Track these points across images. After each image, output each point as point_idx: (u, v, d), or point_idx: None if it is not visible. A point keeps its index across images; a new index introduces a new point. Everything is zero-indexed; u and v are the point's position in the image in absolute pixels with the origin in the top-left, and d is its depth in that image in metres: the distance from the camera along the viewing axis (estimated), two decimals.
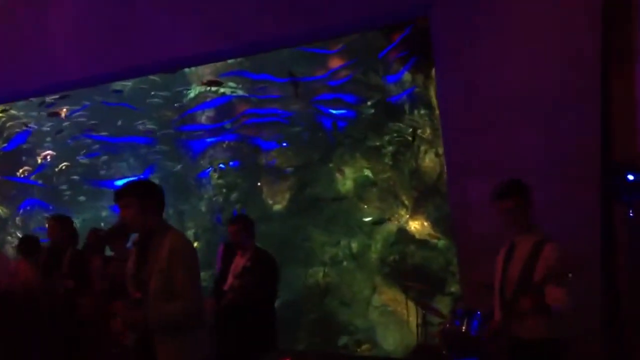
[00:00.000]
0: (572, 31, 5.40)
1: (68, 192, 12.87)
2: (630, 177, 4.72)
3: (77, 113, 12.61)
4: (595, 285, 5.07)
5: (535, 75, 5.49)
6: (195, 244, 10.72)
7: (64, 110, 12.40)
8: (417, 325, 6.31)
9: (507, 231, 3.86)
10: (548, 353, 3.51)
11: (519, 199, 3.71)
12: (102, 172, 12.91)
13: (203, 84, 11.73)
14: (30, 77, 8.30)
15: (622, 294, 5.05)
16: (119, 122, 12.51)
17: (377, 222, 10.35)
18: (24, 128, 13.09)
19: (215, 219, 11.48)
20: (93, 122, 12.57)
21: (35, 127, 13.07)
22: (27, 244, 6.36)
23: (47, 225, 6.35)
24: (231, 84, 11.78)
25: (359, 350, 9.50)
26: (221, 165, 11.91)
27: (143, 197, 3.48)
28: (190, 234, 11.48)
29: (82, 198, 12.81)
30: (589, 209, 5.21)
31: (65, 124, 12.76)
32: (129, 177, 11.84)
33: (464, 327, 4.92)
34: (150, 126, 12.42)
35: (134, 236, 3.68)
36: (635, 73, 5.12)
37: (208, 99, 12.07)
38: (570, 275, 3.34)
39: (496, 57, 5.71)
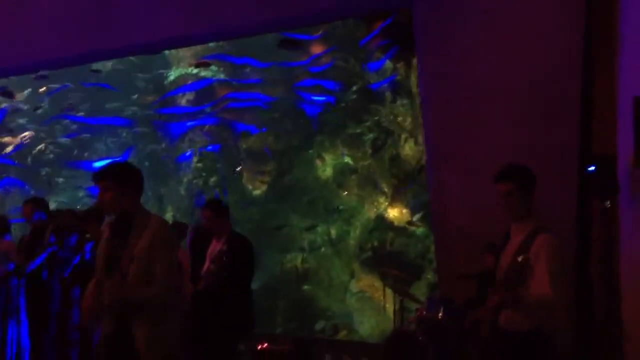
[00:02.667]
0: (554, 25, 5.46)
1: (44, 173, 12.73)
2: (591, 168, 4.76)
3: (56, 93, 12.45)
4: (569, 277, 5.16)
5: (516, 68, 5.55)
6: None
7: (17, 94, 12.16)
8: (394, 312, 6.36)
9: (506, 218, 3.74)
10: (530, 345, 3.41)
11: (517, 182, 3.53)
12: (81, 154, 12.76)
13: (191, 65, 11.63)
14: (8, 55, 8.19)
15: (595, 286, 5.14)
16: (98, 103, 12.38)
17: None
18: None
19: (194, 202, 11.43)
20: (72, 102, 12.42)
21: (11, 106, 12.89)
22: None
23: (22, 208, 6.34)
24: (212, 67, 11.69)
25: (335, 335, 9.56)
26: (204, 149, 11.85)
27: (122, 179, 3.46)
28: (168, 217, 11.43)
29: (60, 180, 12.68)
30: (566, 201, 5.29)
31: (44, 103, 12.60)
32: (107, 158, 11.74)
33: (440, 314, 4.99)
34: (129, 108, 12.31)
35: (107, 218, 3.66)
36: (615, 69, 5.18)
37: (188, 82, 11.99)
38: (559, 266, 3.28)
39: (477, 49, 5.75)
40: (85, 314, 3.52)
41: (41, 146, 12.87)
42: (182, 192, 12.01)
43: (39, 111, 12.67)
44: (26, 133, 13.03)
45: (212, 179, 11.69)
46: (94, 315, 3.48)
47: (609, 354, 4.83)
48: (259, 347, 6.06)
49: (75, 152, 12.81)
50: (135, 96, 12.35)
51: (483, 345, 3.65)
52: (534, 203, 3.60)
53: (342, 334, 9.61)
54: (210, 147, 11.90)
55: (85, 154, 12.74)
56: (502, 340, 3.49)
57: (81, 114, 12.59)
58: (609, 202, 4.75)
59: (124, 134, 12.60)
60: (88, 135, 12.74)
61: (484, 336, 3.63)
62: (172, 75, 12.10)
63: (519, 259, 3.34)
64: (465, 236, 5.66)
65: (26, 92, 12.88)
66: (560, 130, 5.36)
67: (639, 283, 4.62)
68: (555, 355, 3.49)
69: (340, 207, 10.38)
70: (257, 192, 11.30)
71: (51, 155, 12.87)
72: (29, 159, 13.03)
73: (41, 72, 10.50)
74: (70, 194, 12.46)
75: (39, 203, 6.30)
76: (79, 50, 8.07)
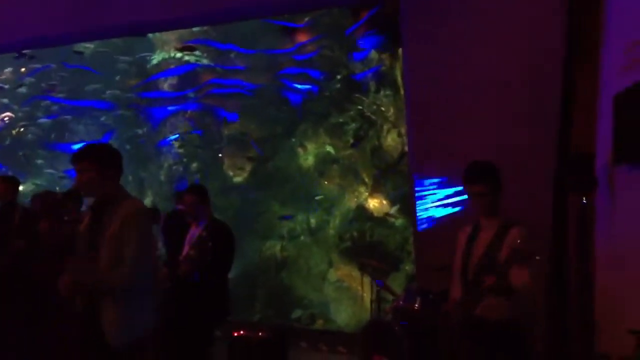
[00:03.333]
0: (538, 21, 5.49)
1: (22, 154, 12.59)
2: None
3: (37, 73, 12.30)
4: (544, 270, 5.21)
5: (501, 62, 5.58)
6: None
7: None
8: (371, 302, 6.39)
9: (475, 215, 3.79)
10: (509, 334, 3.49)
11: (490, 183, 3.61)
12: (61, 136, 12.63)
13: (176, 49, 11.53)
14: None
15: (569, 282, 5.20)
16: (79, 85, 12.25)
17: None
18: None
19: (175, 187, 11.38)
20: (52, 83, 12.28)
21: None
22: None
23: None
24: (196, 52, 11.60)
25: (312, 324, 9.59)
26: (186, 134, 11.78)
27: (101, 161, 3.42)
28: (148, 202, 11.36)
29: (40, 161, 12.55)
30: (543, 197, 5.33)
31: (25, 82, 12.45)
32: (87, 141, 11.62)
33: (416, 305, 5.03)
34: (111, 91, 12.19)
35: (88, 201, 3.63)
36: (596, 69, 5.22)
37: (171, 66, 11.89)
38: (538, 258, 3.33)
39: (463, 42, 5.77)
40: (61, 288, 3.47)
41: (20, 127, 12.73)
42: (163, 177, 11.94)
43: (21, 89, 12.50)
44: (6, 113, 12.87)
45: (193, 165, 11.64)
46: (69, 294, 3.44)
47: (581, 343, 4.90)
48: (235, 334, 6.06)
49: (55, 134, 12.67)
50: (118, 78, 12.22)
51: (456, 335, 3.68)
52: (501, 199, 3.70)
53: (319, 323, 9.64)
54: (192, 132, 11.83)
55: (65, 136, 12.61)
56: (480, 329, 3.53)
57: (62, 95, 12.45)
58: (585, 199, 4.80)
59: (105, 117, 12.47)
60: (69, 117, 12.61)
61: (455, 326, 3.66)
62: (155, 59, 11.98)
63: (508, 250, 3.39)
64: (443, 229, 5.70)
65: (7, 70, 12.71)
66: (541, 126, 5.40)
67: (613, 278, 4.69)
68: (529, 344, 3.57)
69: (318, 197, 10.37)
70: (238, 179, 11.26)
71: (30, 136, 12.72)
72: (8, 140, 12.88)
73: (23, 52, 10.37)
74: (48, 176, 12.34)
75: (14, 182, 6.24)
76: (62, 30, 7.97)
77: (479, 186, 3.62)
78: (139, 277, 3.35)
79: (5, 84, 12.76)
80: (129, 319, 3.34)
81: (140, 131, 12.26)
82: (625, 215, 4.59)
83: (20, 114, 12.84)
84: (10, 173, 11.35)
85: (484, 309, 3.51)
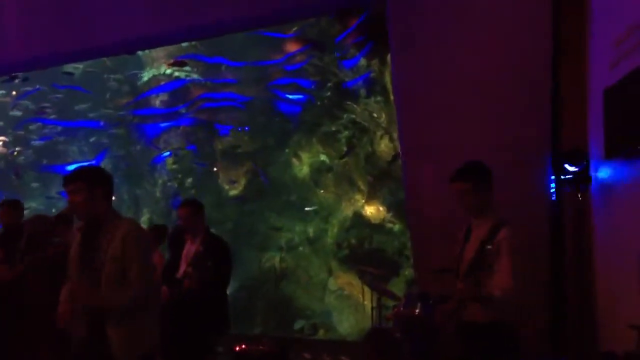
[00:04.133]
0: (525, 20, 5.50)
1: (14, 175, 12.56)
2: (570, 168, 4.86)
3: (28, 95, 12.31)
4: (543, 266, 5.21)
5: (489, 63, 5.59)
6: None
7: None
8: (372, 309, 6.37)
9: (463, 214, 3.81)
10: (494, 336, 3.48)
11: (469, 182, 3.62)
12: (54, 157, 12.61)
13: (168, 65, 11.55)
14: None
15: (567, 276, 5.20)
16: (71, 106, 12.25)
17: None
18: None
19: (171, 204, 11.36)
20: (44, 105, 12.27)
21: None
22: None
23: None
24: (186, 67, 11.62)
25: (314, 334, 9.56)
26: (179, 150, 11.77)
27: (92, 183, 3.46)
28: (145, 219, 11.34)
29: (34, 184, 12.53)
30: (538, 193, 5.34)
31: (16, 106, 12.45)
32: (80, 162, 11.62)
33: (417, 310, 5.00)
34: (103, 110, 12.18)
35: (77, 223, 3.65)
36: (586, 63, 5.24)
37: (162, 83, 11.89)
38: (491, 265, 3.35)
39: (451, 44, 5.78)
40: (61, 319, 3.51)
41: (14, 150, 12.72)
42: (158, 194, 11.92)
43: (14, 112, 12.50)
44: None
45: (188, 180, 11.62)
46: (69, 320, 3.47)
47: (583, 340, 4.89)
48: (237, 348, 6.03)
49: (48, 156, 12.66)
50: (108, 97, 12.22)
51: (450, 338, 3.70)
52: (491, 198, 3.69)
53: (321, 333, 9.60)
54: (185, 148, 11.83)
55: (59, 158, 12.59)
56: (466, 332, 3.54)
57: (54, 116, 12.45)
58: (580, 194, 4.82)
59: (98, 137, 12.46)
60: (61, 138, 12.60)
61: (450, 330, 3.68)
62: (146, 76, 11.99)
63: (480, 252, 3.40)
64: (440, 231, 5.68)
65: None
66: (532, 124, 5.41)
67: (611, 271, 4.69)
68: (517, 347, 3.55)
69: (312, 207, 10.35)
70: (233, 192, 11.25)
71: (23, 159, 12.71)
72: (2, 164, 12.87)
73: (13, 75, 10.39)
74: (43, 199, 12.30)
75: (17, 206, 6.21)
76: (50, 51, 7.98)
77: (458, 183, 3.66)
78: (145, 294, 3.38)
79: None
80: (136, 336, 3.39)
81: (133, 149, 12.23)
82: (619, 208, 4.60)
83: (11, 138, 12.83)
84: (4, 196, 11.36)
85: (468, 313, 3.52)
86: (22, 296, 5.47)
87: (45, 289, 4.87)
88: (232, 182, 11.09)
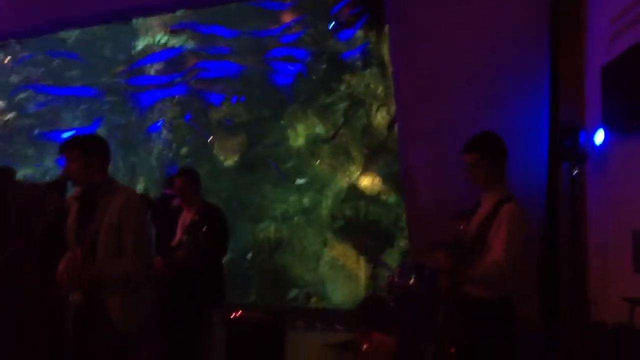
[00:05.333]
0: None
1: (11, 145, 12.49)
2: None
3: (22, 62, 12.18)
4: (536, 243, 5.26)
5: (488, 41, 5.56)
6: None
7: None
8: (366, 279, 6.43)
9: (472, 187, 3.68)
10: (491, 313, 3.43)
11: (477, 152, 3.50)
12: (48, 125, 12.52)
13: (166, 32, 11.42)
14: None
15: (560, 250, 5.25)
16: (65, 73, 12.13)
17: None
18: None
19: (166, 172, 11.34)
20: (39, 72, 12.16)
21: None
22: None
23: None
24: (181, 36, 11.50)
25: (308, 303, 9.63)
26: (174, 119, 11.71)
27: (88, 150, 3.44)
28: (141, 187, 11.33)
29: (29, 152, 12.46)
30: (534, 169, 5.36)
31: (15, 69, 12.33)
32: (75, 129, 11.56)
33: (411, 281, 5.06)
34: (97, 78, 12.07)
35: (71, 191, 3.64)
36: (583, 41, 5.22)
37: (156, 51, 11.77)
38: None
39: (449, 22, 5.74)
40: (60, 286, 3.50)
41: (9, 116, 12.61)
42: (154, 162, 11.89)
43: (9, 79, 12.37)
44: None
45: (183, 150, 11.59)
46: (67, 288, 3.47)
47: (575, 312, 4.95)
48: (232, 315, 6.09)
49: (43, 123, 12.57)
50: (103, 65, 12.10)
51: (448, 310, 3.69)
52: (501, 170, 3.57)
53: (314, 301, 9.68)
54: (180, 118, 11.76)
55: (53, 125, 12.50)
56: (466, 306, 3.52)
57: (48, 83, 12.33)
58: (576, 170, 4.84)
59: (93, 105, 12.37)
60: (56, 105, 12.49)
61: (448, 302, 3.66)
62: (140, 44, 11.87)
63: (480, 230, 3.38)
64: (435, 206, 5.72)
65: None
66: (530, 101, 5.42)
67: (604, 246, 4.73)
68: (516, 324, 3.52)
69: (303, 180, 10.34)
70: (228, 163, 11.23)
71: (18, 126, 12.62)
72: None
73: (5, 42, 10.27)
74: (38, 166, 12.25)
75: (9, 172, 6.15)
76: (43, 19, 7.88)
77: (465, 155, 3.55)
78: (141, 267, 3.40)
79: None
80: (135, 304, 3.42)
81: (128, 117, 12.16)
82: (614, 183, 4.63)
83: (2, 103, 12.71)
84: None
85: (468, 287, 3.49)
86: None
87: (34, 281, 4.75)
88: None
